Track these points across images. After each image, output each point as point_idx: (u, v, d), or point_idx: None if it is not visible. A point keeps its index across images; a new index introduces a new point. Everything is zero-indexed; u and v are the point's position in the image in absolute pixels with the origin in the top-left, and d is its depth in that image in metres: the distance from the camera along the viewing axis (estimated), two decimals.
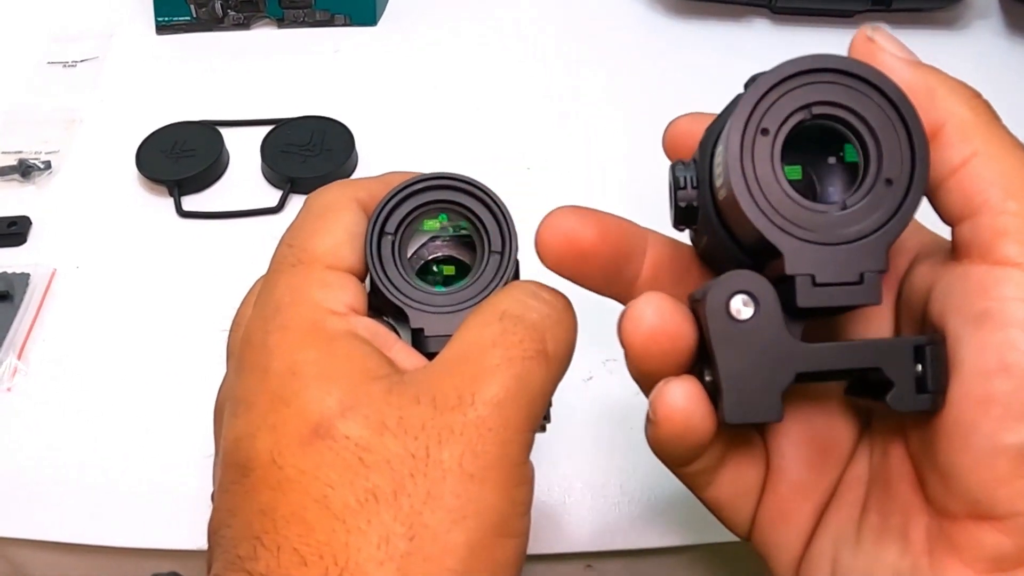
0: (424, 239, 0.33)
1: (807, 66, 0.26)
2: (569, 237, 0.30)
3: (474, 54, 0.68)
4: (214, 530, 0.28)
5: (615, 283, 0.32)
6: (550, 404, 0.30)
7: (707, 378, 0.28)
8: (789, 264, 0.25)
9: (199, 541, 0.43)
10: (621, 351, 0.29)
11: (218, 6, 0.69)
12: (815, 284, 0.25)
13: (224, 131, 0.61)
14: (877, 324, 0.30)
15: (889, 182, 0.26)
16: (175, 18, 0.70)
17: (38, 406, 0.49)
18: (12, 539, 0.44)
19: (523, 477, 0.28)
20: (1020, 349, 0.25)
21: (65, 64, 0.68)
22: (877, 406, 0.27)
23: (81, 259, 0.55)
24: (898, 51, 0.28)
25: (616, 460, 0.46)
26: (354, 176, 0.59)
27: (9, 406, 0.48)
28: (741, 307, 0.26)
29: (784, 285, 0.26)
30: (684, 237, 0.33)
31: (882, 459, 0.29)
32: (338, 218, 0.31)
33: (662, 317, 0.28)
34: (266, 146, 0.60)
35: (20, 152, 0.61)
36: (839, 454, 0.31)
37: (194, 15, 0.70)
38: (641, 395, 0.30)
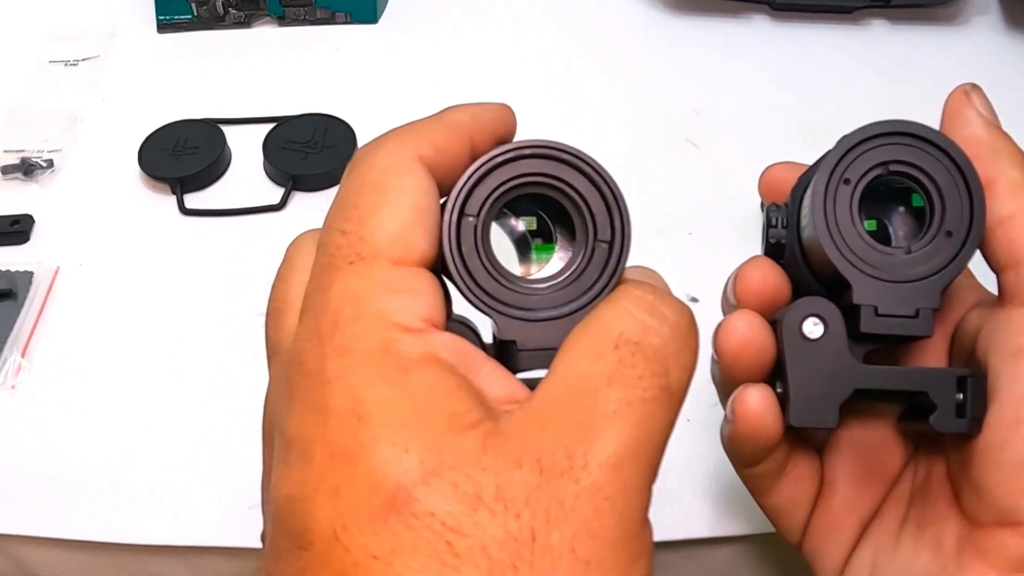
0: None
1: (886, 129, 0.30)
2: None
3: (475, 51, 0.68)
4: None
5: None
6: None
7: (778, 389, 0.31)
8: (857, 295, 0.30)
9: (201, 538, 0.44)
10: None
11: (219, 4, 0.69)
12: (877, 314, 0.30)
13: (226, 129, 0.61)
14: (932, 361, 0.34)
15: (949, 234, 0.30)
16: (176, 17, 0.70)
17: (42, 404, 0.49)
18: (16, 536, 0.45)
19: (642, 548, 0.23)
20: None
21: (67, 63, 0.68)
22: (923, 427, 0.31)
23: (84, 257, 0.55)
24: (984, 111, 0.31)
25: None
26: None
27: (13, 404, 0.49)
28: (812, 327, 0.30)
29: (851, 313, 0.30)
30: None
31: (925, 480, 0.33)
32: (402, 189, 0.25)
33: (751, 330, 0.31)
34: (268, 144, 0.60)
35: (23, 151, 0.61)
36: (887, 476, 0.34)
37: (195, 13, 0.70)
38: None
